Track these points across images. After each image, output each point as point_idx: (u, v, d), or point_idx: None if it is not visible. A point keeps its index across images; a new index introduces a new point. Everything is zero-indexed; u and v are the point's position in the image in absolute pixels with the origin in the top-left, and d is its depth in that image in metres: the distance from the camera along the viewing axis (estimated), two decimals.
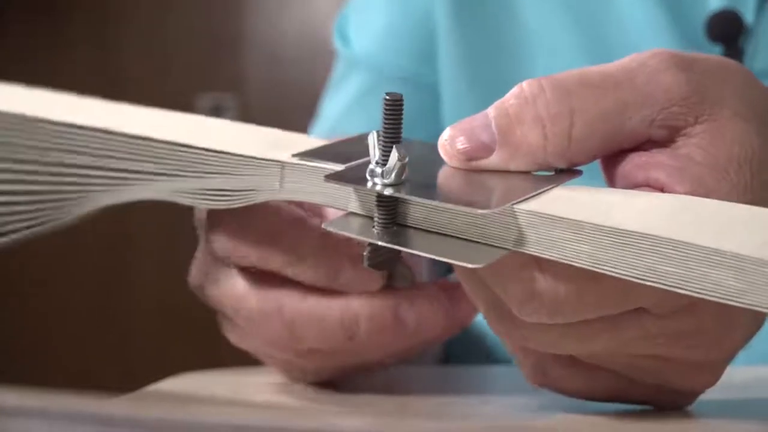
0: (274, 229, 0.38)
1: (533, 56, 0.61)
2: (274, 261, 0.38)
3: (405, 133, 0.33)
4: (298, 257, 0.38)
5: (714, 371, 0.36)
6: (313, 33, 2.48)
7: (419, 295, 0.40)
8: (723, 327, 0.34)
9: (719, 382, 0.36)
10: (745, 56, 0.57)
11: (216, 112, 2.55)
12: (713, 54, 0.59)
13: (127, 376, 1.36)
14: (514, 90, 0.33)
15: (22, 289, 2.59)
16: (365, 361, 0.42)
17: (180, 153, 0.37)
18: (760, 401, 0.41)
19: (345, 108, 0.69)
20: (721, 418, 0.36)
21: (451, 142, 0.33)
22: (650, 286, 0.30)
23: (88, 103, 0.40)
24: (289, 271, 0.39)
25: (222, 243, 0.39)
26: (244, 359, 0.45)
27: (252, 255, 0.39)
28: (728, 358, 0.35)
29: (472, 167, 0.33)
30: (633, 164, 0.33)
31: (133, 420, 0.21)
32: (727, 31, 0.57)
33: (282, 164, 0.35)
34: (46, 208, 0.38)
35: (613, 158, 0.34)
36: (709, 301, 0.30)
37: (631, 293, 0.31)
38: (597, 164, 0.34)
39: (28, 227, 0.38)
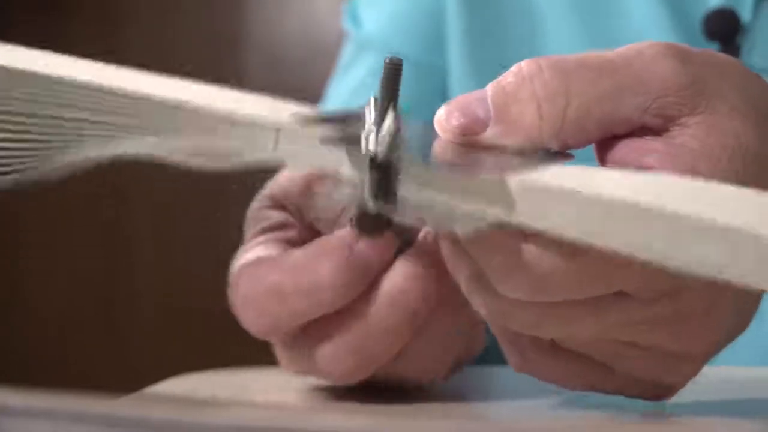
0: None
1: (542, 44, 0.62)
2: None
3: (414, 116, 0.34)
4: None
5: (694, 364, 0.36)
6: (313, 34, 2.48)
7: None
8: (706, 316, 0.34)
9: (718, 382, 0.36)
10: (741, 54, 0.58)
11: None
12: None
13: (128, 376, 1.36)
14: (513, 68, 0.34)
15: (23, 289, 2.59)
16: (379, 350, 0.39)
17: (177, 111, 0.37)
18: (761, 402, 0.41)
19: (354, 89, 0.69)
20: (722, 418, 0.37)
21: (447, 116, 0.34)
22: (635, 263, 0.30)
23: (83, 63, 0.41)
24: None
25: None
26: (246, 360, 0.45)
27: None
28: (709, 352, 0.35)
29: (467, 141, 0.33)
30: (626, 149, 0.33)
31: (136, 420, 0.21)
32: (724, 29, 0.58)
33: (278, 125, 0.36)
34: (37, 153, 0.38)
35: (606, 143, 0.34)
36: (693, 288, 0.30)
37: (616, 271, 0.31)
38: (588, 154, 0.35)
39: (12, 171, 0.38)
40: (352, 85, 0.69)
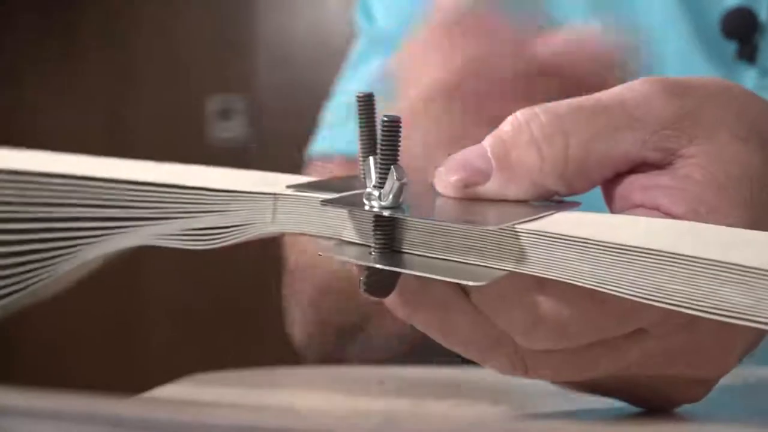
0: None
1: None
2: None
3: None
4: None
5: (708, 386, 0.36)
6: (323, 34, 2.48)
7: None
8: (722, 345, 0.34)
9: (720, 383, 0.36)
10: (758, 53, 0.57)
11: (226, 114, 2.55)
12: (728, 48, 0.58)
13: (136, 378, 1.36)
14: (509, 119, 0.33)
15: None
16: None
17: (167, 194, 0.36)
18: (761, 402, 0.41)
19: (366, 85, 0.69)
20: (723, 418, 0.36)
21: (446, 172, 0.33)
22: (654, 305, 0.29)
23: (67, 157, 0.40)
24: None
25: None
26: (252, 361, 0.45)
27: None
28: (724, 374, 0.35)
29: (469, 195, 0.33)
30: (632, 186, 0.33)
31: (144, 421, 0.21)
32: (742, 28, 0.58)
33: (275, 196, 0.35)
34: (35, 267, 0.38)
35: (611, 182, 0.34)
36: (710, 320, 0.30)
37: (635, 313, 0.31)
38: (591, 199, 0.34)
39: (16, 291, 0.38)
40: (364, 80, 0.68)
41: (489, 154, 0.33)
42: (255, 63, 2.54)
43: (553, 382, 0.36)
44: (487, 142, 0.33)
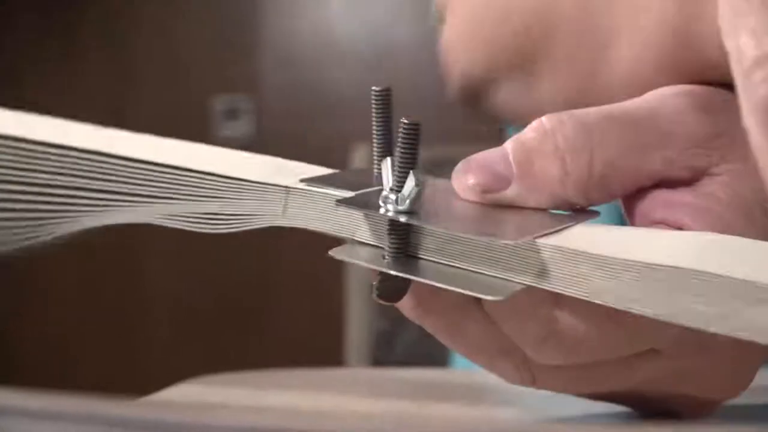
0: None
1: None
2: None
3: None
4: None
5: (717, 405, 0.35)
6: (327, 34, 2.49)
7: None
8: (735, 367, 0.33)
9: None
10: None
11: (231, 114, 2.55)
12: None
13: (140, 380, 1.36)
14: (533, 124, 0.32)
15: (35, 293, 2.59)
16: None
17: (177, 176, 0.36)
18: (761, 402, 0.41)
19: None
20: (722, 418, 0.36)
21: (464, 174, 0.32)
22: (670, 324, 0.28)
23: (78, 126, 0.39)
24: None
25: None
26: (258, 362, 0.45)
27: None
28: (735, 397, 0.34)
29: (488, 200, 0.32)
30: (654, 202, 0.32)
31: (148, 423, 0.21)
32: None
33: (287, 189, 0.34)
34: (26, 226, 0.38)
35: (633, 196, 0.33)
36: (723, 341, 0.29)
37: (651, 332, 0.30)
38: (609, 207, 0.34)
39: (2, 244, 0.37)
40: None
41: (510, 159, 0.32)
42: (260, 63, 2.54)
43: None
44: (509, 146, 0.32)
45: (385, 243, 0.32)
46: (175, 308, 2.56)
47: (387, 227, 0.32)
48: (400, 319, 0.60)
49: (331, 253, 0.32)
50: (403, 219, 0.31)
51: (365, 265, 0.32)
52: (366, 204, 0.32)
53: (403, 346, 1.11)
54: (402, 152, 0.31)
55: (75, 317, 2.57)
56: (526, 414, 0.38)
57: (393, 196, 0.31)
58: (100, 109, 2.58)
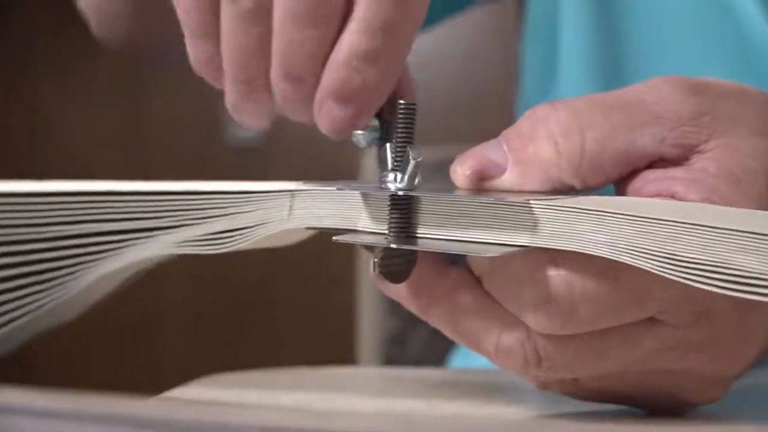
0: None
1: (660, 53, 0.61)
2: None
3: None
4: None
5: (726, 385, 0.35)
6: None
7: None
8: (739, 337, 0.33)
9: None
10: None
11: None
12: None
13: (154, 379, 1.36)
14: (526, 113, 0.33)
15: None
16: None
17: (182, 202, 0.37)
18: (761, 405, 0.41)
19: None
20: (723, 419, 0.36)
21: (461, 165, 0.33)
22: (667, 284, 0.29)
23: (72, 183, 0.40)
24: None
25: None
26: (270, 361, 0.45)
27: None
28: (742, 372, 0.35)
29: (484, 187, 0.33)
30: (646, 180, 0.33)
31: (164, 421, 0.21)
32: None
33: (292, 192, 0.36)
34: (48, 287, 0.38)
35: (627, 177, 0.34)
36: (725, 310, 0.29)
37: (648, 292, 0.31)
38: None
39: (28, 313, 0.38)
40: None
41: (505, 147, 0.33)
42: None
43: (565, 393, 0.36)
44: (503, 135, 0.33)
45: (387, 224, 0.33)
46: (186, 308, 2.56)
47: (388, 206, 0.33)
48: (411, 319, 0.60)
49: (335, 238, 0.34)
50: (403, 193, 0.33)
51: (368, 242, 0.33)
52: (367, 187, 0.34)
53: (415, 346, 1.11)
54: (399, 132, 0.33)
55: (88, 319, 2.58)
56: (535, 413, 0.39)
57: (392, 176, 0.33)
58: (116, 107, 2.59)
